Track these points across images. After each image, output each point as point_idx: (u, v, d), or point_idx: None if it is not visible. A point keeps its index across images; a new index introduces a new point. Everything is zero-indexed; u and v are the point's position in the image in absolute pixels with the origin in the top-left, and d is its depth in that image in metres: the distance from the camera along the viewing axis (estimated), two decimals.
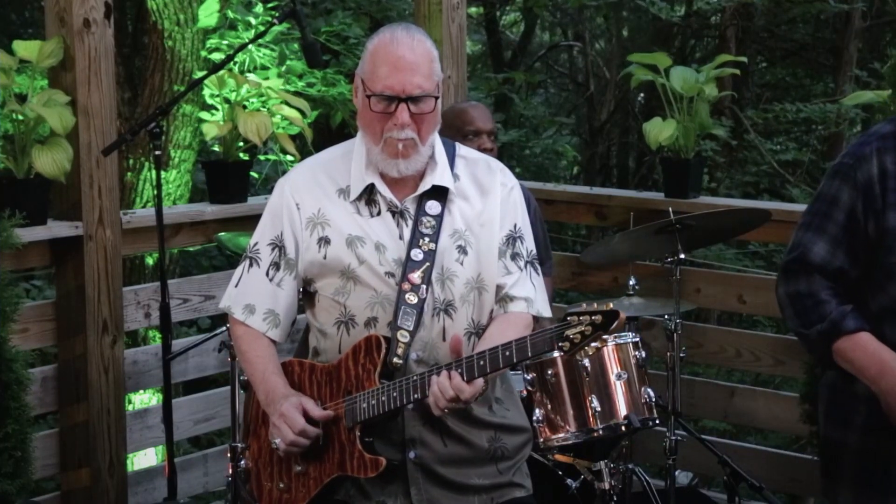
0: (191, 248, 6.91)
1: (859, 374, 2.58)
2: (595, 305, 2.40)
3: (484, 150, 3.90)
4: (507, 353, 2.46)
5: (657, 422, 3.53)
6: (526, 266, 2.81)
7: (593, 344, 2.39)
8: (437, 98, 2.69)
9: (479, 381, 2.52)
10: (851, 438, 2.67)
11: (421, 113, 2.65)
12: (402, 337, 2.65)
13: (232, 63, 5.06)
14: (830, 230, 2.61)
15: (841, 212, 2.60)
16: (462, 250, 2.73)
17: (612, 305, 2.38)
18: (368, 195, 2.75)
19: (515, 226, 2.81)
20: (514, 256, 2.79)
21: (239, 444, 3.59)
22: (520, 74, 9.97)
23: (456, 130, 3.96)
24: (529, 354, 2.46)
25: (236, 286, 2.84)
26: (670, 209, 3.98)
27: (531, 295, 2.80)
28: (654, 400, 3.48)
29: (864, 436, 2.65)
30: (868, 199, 2.56)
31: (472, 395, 2.51)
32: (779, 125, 8.84)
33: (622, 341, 3.47)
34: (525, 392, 3.42)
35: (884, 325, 2.58)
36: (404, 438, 2.69)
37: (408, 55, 2.63)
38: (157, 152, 3.68)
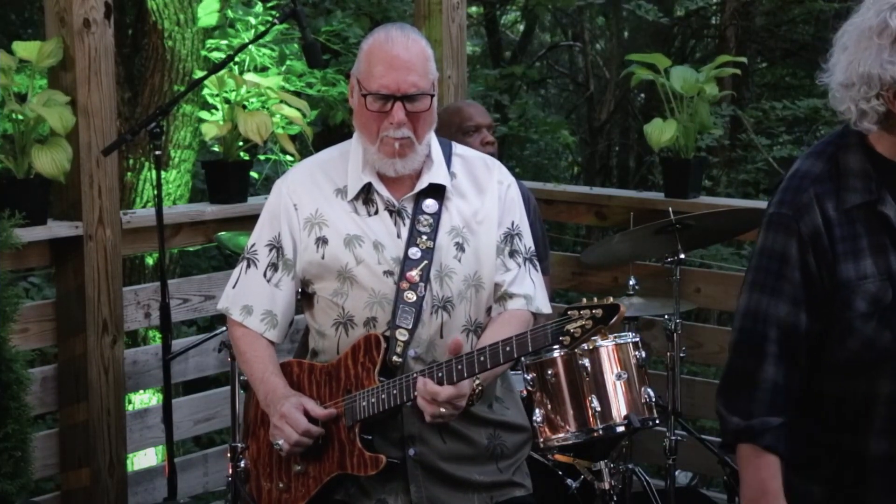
0: (191, 248, 6.91)
1: (741, 485, 2.50)
2: (595, 300, 2.40)
3: (486, 144, 3.94)
4: (508, 349, 2.47)
5: (657, 422, 3.53)
6: (525, 262, 2.81)
7: (594, 338, 2.39)
8: (432, 96, 2.69)
9: (465, 383, 2.51)
10: (818, 492, 2.50)
11: (417, 111, 2.66)
12: (401, 335, 2.66)
13: (232, 63, 5.05)
14: (787, 291, 2.39)
15: (794, 269, 2.38)
16: (460, 247, 2.74)
17: (612, 299, 2.38)
18: (366, 194, 2.75)
19: (513, 223, 2.81)
20: (513, 253, 2.79)
21: (239, 444, 3.59)
22: (518, 68, 9.97)
23: (456, 128, 3.97)
24: (530, 349, 2.46)
25: (234, 287, 2.84)
26: (670, 209, 3.98)
27: (530, 292, 2.81)
28: (653, 400, 3.47)
29: (831, 489, 2.48)
30: (818, 252, 2.37)
31: (455, 396, 2.51)
32: (771, 123, 8.83)
33: (622, 341, 3.47)
34: (525, 392, 3.42)
35: (839, 379, 2.42)
36: (403, 436, 2.69)
37: (402, 54, 2.64)
38: (157, 152, 3.68)
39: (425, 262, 2.69)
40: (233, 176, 4.42)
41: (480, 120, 4.08)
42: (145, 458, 5.17)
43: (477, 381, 2.57)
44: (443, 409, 2.52)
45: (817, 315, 2.40)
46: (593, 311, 2.38)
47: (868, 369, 2.40)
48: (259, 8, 6.10)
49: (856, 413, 2.43)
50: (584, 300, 2.42)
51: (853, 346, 2.39)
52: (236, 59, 5.32)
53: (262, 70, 5.88)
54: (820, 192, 2.37)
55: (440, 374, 2.51)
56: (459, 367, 2.50)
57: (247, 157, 4.80)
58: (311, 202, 2.76)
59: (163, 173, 4.24)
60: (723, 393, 2.47)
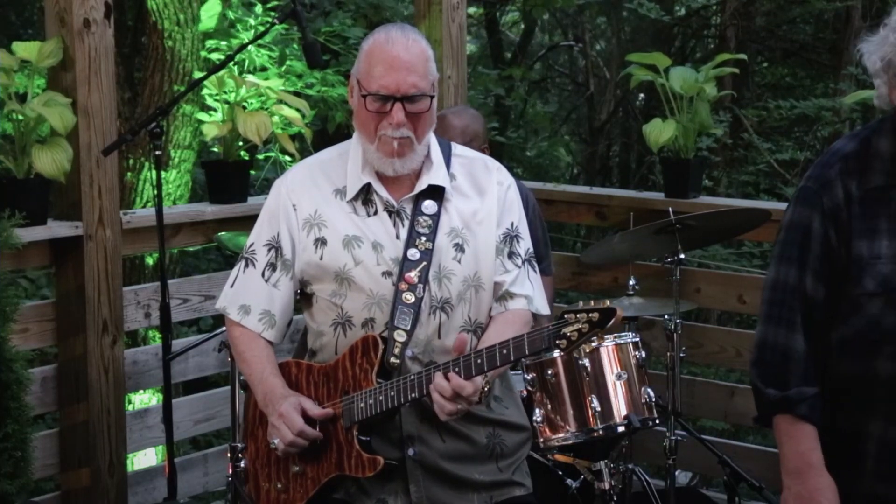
0: (191, 249, 6.91)
1: (781, 459, 2.49)
2: (592, 303, 2.40)
3: None
4: (505, 352, 2.47)
5: (657, 422, 3.53)
6: (524, 264, 2.82)
7: (591, 342, 2.39)
8: (432, 97, 2.69)
9: (479, 378, 2.52)
10: (862, 485, 2.49)
11: (416, 112, 2.66)
12: (399, 336, 2.66)
13: (232, 63, 5.06)
14: (810, 263, 2.47)
15: (817, 242, 2.46)
16: (459, 248, 2.74)
17: (608, 303, 2.38)
18: (365, 195, 2.75)
19: (513, 224, 2.81)
20: (511, 255, 2.80)
21: (239, 444, 3.59)
22: (517, 70, 9.96)
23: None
24: (527, 352, 2.46)
25: (232, 287, 2.84)
26: (670, 209, 3.98)
27: (530, 293, 2.81)
28: (654, 400, 3.48)
29: (875, 482, 2.48)
30: (838, 225, 2.45)
31: (474, 392, 2.51)
32: (773, 123, 8.83)
33: (622, 341, 3.48)
34: (525, 392, 3.42)
35: (842, 358, 2.47)
36: (402, 436, 2.69)
37: (403, 55, 2.64)
38: (157, 152, 3.68)
39: (424, 263, 2.69)
40: (233, 176, 4.42)
41: (452, 135, 3.75)
42: (145, 458, 5.17)
43: (486, 379, 2.57)
44: (459, 406, 2.52)
45: (832, 289, 2.46)
46: (589, 315, 2.38)
47: (870, 348, 2.43)
48: (259, 8, 6.10)
49: (855, 394, 2.46)
50: (581, 303, 2.42)
51: (858, 323, 2.44)
52: (236, 59, 5.32)
53: (262, 70, 5.88)
54: (845, 168, 2.46)
55: (456, 370, 2.50)
56: (456, 369, 2.50)
57: (247, 157, 4.80)
58: (311, 203, 2.76)
59: (163, 173, 4.24)
60: (757, 364, 2.53)
